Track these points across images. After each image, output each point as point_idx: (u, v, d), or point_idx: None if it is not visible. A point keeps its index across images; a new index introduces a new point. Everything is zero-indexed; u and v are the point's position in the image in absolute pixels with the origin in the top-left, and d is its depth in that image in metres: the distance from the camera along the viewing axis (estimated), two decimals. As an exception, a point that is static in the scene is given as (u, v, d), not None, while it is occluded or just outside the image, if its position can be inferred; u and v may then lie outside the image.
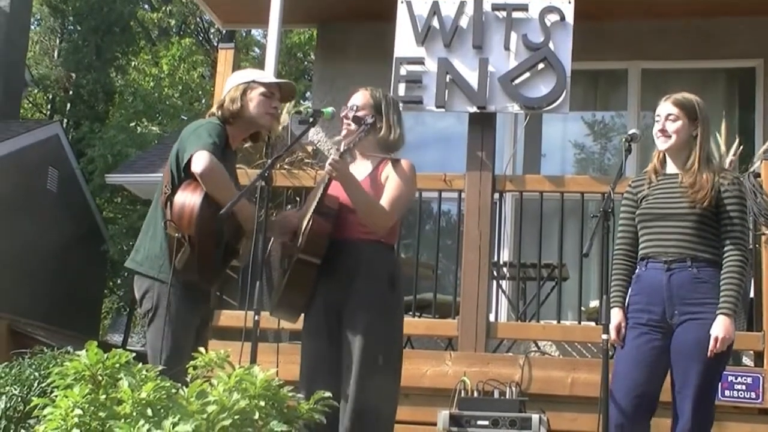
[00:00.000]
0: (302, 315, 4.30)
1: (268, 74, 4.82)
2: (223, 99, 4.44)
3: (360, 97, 4.37)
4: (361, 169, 4.30)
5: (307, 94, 21.47)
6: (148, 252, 4.26)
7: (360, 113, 4.28)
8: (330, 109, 4.32)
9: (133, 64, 27.17)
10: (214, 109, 4.47)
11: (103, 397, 2.87)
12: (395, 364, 4.18)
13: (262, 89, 4.42)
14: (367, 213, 4.14)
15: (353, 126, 4.25)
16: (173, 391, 2.90)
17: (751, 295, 5.99)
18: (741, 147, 6.60)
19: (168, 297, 4.10)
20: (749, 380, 5.51)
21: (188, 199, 4.09)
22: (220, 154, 4.16)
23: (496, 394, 5.60)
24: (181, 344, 4.08)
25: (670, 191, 4.28)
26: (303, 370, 4.18)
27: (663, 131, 4.31)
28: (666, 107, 4.34)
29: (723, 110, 8.46)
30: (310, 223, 4.12)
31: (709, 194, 4.16)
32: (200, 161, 4.06)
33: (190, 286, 4.19)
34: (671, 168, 4.36)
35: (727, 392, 5.45)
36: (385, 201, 4.17)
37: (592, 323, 6.29)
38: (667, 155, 4.38)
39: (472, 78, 6.38)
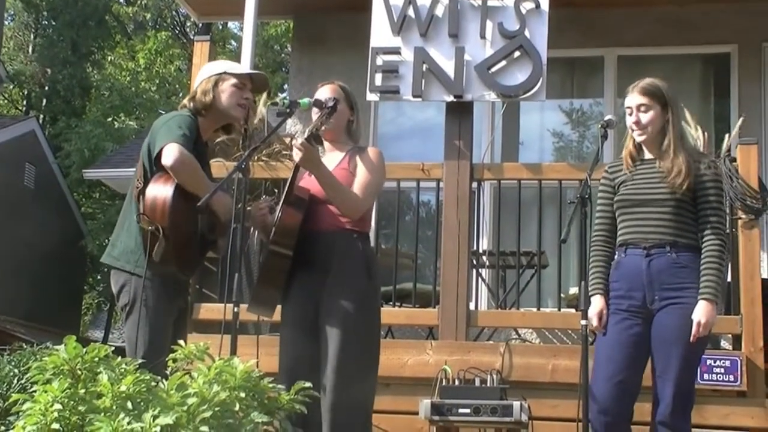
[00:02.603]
0: (277, 308, 4.31)
1: (239, 66, 4.81)
2: (195, 91, 4.44)
3: (328, 91, 4.38)
4: (332, 160, 4.33)
5: (285, 86, 21.43)
6: (124, 246, 4.25)
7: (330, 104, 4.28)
8: (307, 100, 4.32)
9: (109, 58, 27.10)
10: (185, 101, 4.46)
11: (83, 391, 2.87)
12: (374, 352, 4.20)
13: (233, 80, 4.42)
14: (339, 199, 4.17)
15: (317, 111, 4.26)
16: (153, 384, 2.90)
17: (729, 279, 6.03)
18: (705, 133, 6.62)
19: (144, 291, 4.09)
20: (727, 363, 5.54)
21: (160, 191, 4.09)
22: (191, 146, 4.15)
23: (477, 382, 5.60)
24: (159, 337, 4.08)
25: (648, 177, 4.29)
26: (282, 363, 4.18)
27: (638, 123, 4.32)
28: (635, 98, 4.33)
29: (699, 96, 8.52)
30: (280, 213, 4.13)
31: (687, 178, 4.18)
32: (170, 154, 4.05)
33: (168, 278, 4.18)
34: (647, 154, 4.38)
35: (705, 376, 5.48)
36: (356, 187, 4.22)
37: (572, 310, 6.32)
38: (642, 143, 4.39)
39: (448, 67, 6.38)
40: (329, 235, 4.18)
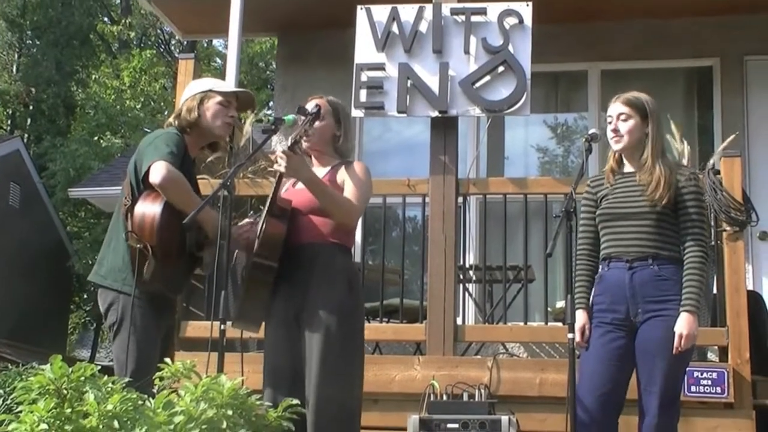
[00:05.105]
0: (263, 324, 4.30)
1: (225, 83, 4.82)
2: (180, 108, 4.45)
3: (315, 103, 4.37)
4: (317, 174, 4.30)
5: (270, 103, 21.45)
6: (111, 265, 4.25)
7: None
8: (291, 116, 4.31)
9: (93, 77, 27.01)
10: (171, 119, 4.47)
11: (69, 410, 2.85)
12: (356, 364, 4.18)
13: (219, 98, 4.43)
14: (333, 204, 4.15)
15: (301, 118, 4.23)
16: (140, 402, 2.89)
17: (715, 291, 6.05)
18: (689, 147, 6.66)
19: (132, 309, 4.08)
20: (714, 375, 5.56)
21: (148, 209, 4.09)
22: (179, 164, 4.16)
23: (465, 397, 5.61)
24: (147, 356, 4.08)
25: (629, 190, 4.31)
26: (266, 374, 4.18)
27: (615, 131, 4.36)
28: (617, 107, 4.38)
29: (683, 109, 8.56)
30: (264, 225, 4.12)
31: (666, 192, 4.20)
32: (158, 172, 4.06)
33: (155, 296, 4.18)
34: (628, 167, 4.41)
35: (693, 388, 5.49)
36: (348, 196, 4.21)
37: (559, 323, 6.32)
38: (622, 155, 4.42)
39: (432, 82, 6.39)
40: (311, 247, 4.17)
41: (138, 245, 4.07)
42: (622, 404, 4.22)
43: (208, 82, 4.57)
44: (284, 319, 4.16)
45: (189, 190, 4.18)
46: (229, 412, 2.95)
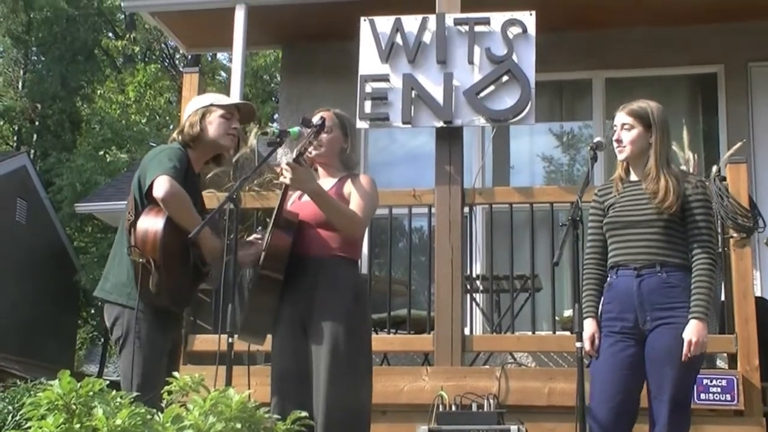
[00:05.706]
0: (268, 336, 4.30)
1: (225, 97, 4.84)
2: (183, 124, 4.48)
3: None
4: (323, 186, 4.31)
5: (275, 115, 21.48)
6: (116, 279, 4.26)
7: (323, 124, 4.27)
8: (296, 129, 4.32)
9: (99, 92, 27.07)
10: (174, 135, 4.50)
11: (78, 425, 2.85)
12: (364, 375, 4.18)
13: (220, 112, 4.46)
14: (338, 215, 4.16)
15: (306, 130, 4.24)
16: (149, 416, 2.89)
17: (723, 298, 6.04)
18: (695, 156, 6.65)
19: (137, 323, 4.09)
20: (724, 382, 5.54)
21: (151, 223, 4.11)
22: (182, 178, 4.17)
23: (474, 407, 5.60)
24: (152, 370, 4.08)
25: (636, 198, 4.30)
26: (273, 380, 4.19)
27: (619, 141, 4.36)
28: (620, 117, 4.39)
29: (687, 116, 8.55)
30: (270, 237, 4.13)
31: (673, 201, 4.19)
32: (161, 186, 4.08)
33: (161, 310, 4.19)
34: (634, 175, 4.40)
35: (702, 395, 5.47)
36: (354, 208, 4.21)
37: (567, 332, 6.31)
38: (629, 163, 4.42)
39: (437, 93, 6.40)
40: (317, 261, 4.17)
41: (141, 260, 4.08)
42: (635, 414, 4.19)
43: (208, 98, 4.61)
44: (290, 325, 4.17)
45: (190, 206, 4.19)
46: (238, 426, 2.94)
